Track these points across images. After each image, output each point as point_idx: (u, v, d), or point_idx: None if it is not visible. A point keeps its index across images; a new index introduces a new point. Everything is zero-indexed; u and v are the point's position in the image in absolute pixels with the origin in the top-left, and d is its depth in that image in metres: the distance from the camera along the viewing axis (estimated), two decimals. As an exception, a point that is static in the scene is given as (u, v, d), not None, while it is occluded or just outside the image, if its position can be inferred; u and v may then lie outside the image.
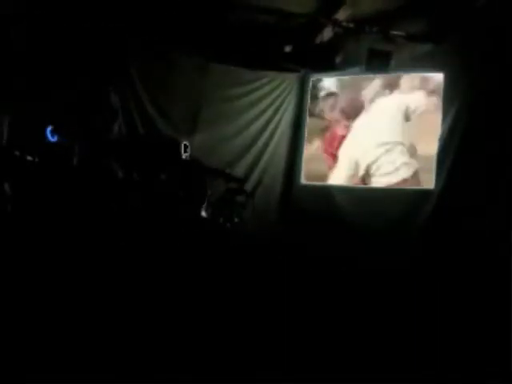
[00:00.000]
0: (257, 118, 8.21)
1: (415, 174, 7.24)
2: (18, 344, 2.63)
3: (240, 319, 3.40)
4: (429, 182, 6.94)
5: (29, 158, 5.34)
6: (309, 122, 8.32)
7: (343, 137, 7.96)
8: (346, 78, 8.13)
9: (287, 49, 7.62)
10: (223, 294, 3.95)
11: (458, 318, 3.62)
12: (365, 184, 7.64)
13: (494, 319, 3.41)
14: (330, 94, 8.21)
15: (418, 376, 2.71)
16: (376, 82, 7.77)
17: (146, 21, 6.93)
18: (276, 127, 8.33)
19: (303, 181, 8.27)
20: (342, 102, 8.07)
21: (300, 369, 2.76)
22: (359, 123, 7.88)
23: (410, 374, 2.74)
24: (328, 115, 8.19)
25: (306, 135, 8.33)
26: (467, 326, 3.45)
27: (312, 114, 8.32)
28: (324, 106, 8.26)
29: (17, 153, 5.34)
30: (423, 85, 7.38)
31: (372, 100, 7.81)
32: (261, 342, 3.04)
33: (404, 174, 7.33)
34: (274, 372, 2.69)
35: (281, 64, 8.13)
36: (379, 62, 7.19)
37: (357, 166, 7.70)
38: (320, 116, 8.27)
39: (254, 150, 8.17)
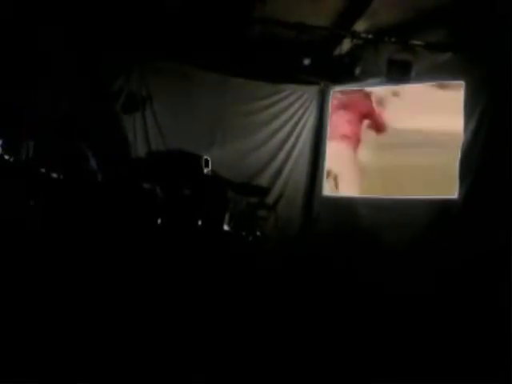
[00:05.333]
0: (277, 131, 8.23)
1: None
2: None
3: (261, 332, 3.40)
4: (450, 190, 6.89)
5: (54, 175, 5.41)
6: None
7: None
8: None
9: (306, 61, 7.63)
10: (246, 307, 3.96)
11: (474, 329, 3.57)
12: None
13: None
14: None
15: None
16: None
17: (166, 37, 7.02)
18: (297, 140, 8.34)
19: (325, 192, 8.24)
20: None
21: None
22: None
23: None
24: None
25: (327, 146, 8.32)
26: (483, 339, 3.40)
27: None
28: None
29: (42, 170, 5.42)
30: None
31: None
32: (279, 352, 3.04)
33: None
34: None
35: (300, 77, 8.15)
36: (399, 72, 7.16)
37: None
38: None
39: (276, 164, 8.19)
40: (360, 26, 7.16)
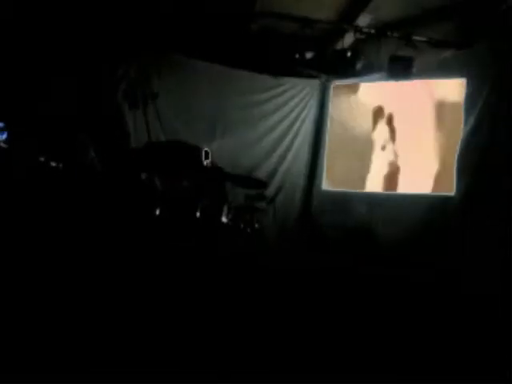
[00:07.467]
0: (278, 124, 8.24)
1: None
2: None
3: (259, 326, 3.41)
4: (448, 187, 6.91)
5: (53, 164, 5.43)
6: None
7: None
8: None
9: (308, 55, 7.62)
10: (244, 300, 3.98)
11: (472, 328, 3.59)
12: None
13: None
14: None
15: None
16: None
17: (167, 28, 7.00)
18: (297, 133, 8.35)
19: (324, 187, 8.26)
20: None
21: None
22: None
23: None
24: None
25: (327, 141, 8.33)
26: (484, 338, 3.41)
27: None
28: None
29: (41, 159, 5.43)
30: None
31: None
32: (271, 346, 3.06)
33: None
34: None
35: (302, 70, 8.15)
36: (401, 67, 7.15)
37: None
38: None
39: (275, 156, 8.20)
40: (362, 20, 7.14)
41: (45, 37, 6.20)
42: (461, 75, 7.04)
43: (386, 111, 7.86)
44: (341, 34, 7.52)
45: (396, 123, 7.73)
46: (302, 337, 3.32)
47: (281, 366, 2.89)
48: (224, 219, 6.37)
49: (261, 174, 7.84)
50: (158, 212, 5.86)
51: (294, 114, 8.31)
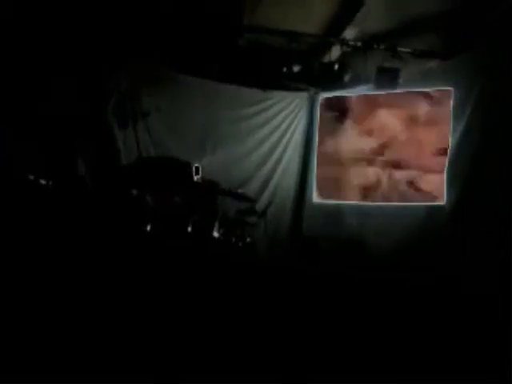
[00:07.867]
0: (267, 137, 8.24)
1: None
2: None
3: (252, 337, 3.39)
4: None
5: (42, 182, 5.39)
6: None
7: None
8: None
9: (296, 69, 7.67)
10: (237, 313, 3.96)
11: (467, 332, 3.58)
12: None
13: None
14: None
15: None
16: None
17: (155, 42, 7.01)
18: (286, 147, 8.36)
19: (315, 199, 8.26)
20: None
21: None
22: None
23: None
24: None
25: (315, 153, 8.34)
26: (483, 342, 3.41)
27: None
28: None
29: (31, 177, 5.39)
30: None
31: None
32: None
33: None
34: None
35: (290, 84, 8.18)
36: (388, 79, 7.22)
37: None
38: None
39: (265, 170, 8.19)
40: (349, 33, 7.21)
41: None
42: (447, 84, 7.10)
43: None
44: (328, 48, 7.59)
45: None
46: (302, 338, 3.31)
47: (279, 366, 2.88)
48: (215, 234, 6.35)
49: (251, 187, 7.83)
50: (149, 228, 5.83)
51: (283, 127, 8.32)
